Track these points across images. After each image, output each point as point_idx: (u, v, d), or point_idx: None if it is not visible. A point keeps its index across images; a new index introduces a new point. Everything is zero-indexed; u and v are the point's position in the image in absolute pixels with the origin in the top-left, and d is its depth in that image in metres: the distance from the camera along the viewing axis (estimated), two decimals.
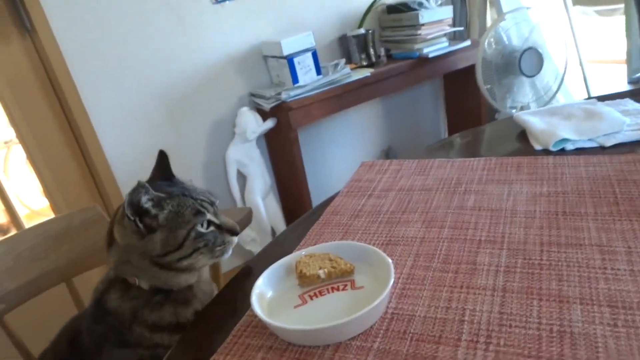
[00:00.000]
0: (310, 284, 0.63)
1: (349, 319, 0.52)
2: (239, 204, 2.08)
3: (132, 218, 0.63)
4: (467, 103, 2.63)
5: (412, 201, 0.82)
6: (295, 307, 0.60)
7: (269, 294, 0.64)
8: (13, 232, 1.76)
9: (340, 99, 1.98)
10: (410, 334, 0.53)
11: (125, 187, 1.81)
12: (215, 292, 0.80)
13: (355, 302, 0.59)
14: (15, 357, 0.94)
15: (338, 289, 0.61)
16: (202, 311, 0.73)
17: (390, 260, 0.60)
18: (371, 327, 0.55)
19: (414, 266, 0.65)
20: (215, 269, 1.06)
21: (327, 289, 0.62)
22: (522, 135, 1.04)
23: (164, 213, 0.65)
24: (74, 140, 1.74)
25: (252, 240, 2.08)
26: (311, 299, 0.61)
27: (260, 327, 0.59)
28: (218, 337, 0.60)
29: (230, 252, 0.70)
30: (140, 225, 0.64)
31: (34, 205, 3.03)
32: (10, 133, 2.71)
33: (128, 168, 1.84)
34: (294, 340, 0.55)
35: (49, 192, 1.75)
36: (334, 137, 2.44)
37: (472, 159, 0.93)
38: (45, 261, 1.00)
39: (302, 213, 2.19)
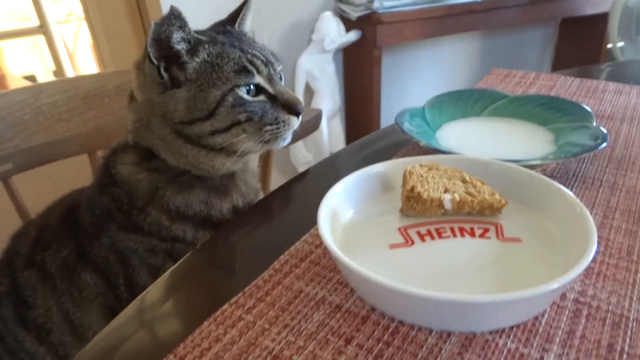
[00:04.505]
0: (422, 213, 0.37)
1: (508, 297, 0.26)
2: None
3: (155, 62, 0.45)
4: (581, 59, 2.22)
5: None
6: (392, 246, 0.34)
7: (348, 213, 0.38)
8: None
9: (439, 22, 1.70)
10: (626, 355, 0.27)
11: None
12: (261, 195, 0.58)
13: (506, 265, 0.33)
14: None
15: (472, 234, 0.35)
16: (242, 212, 0.52)
17: (588, 213, 0.32)
18: (535, 318, 0.29)
19: (604, 225, 0.37)
20: (265, 168, 0.82)
21: (452, 229, 0.35)
22: None
23: (196, 62, 0.46)
24: (141, 24, 1.54)
25: (306, 162, 1.86)
26: (421, 239, 0.35)
27: (323, 266, 0.35)
28: (258, 260, 0.37)
29: (287, 138, 0.50)
30: (165, 74, 0.46)
31: None
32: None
33: None
34: (386, 308, 0.30)
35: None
36: (418, 69, 2.13)
37: None
38: (68, 124, 0.84)
39: None
